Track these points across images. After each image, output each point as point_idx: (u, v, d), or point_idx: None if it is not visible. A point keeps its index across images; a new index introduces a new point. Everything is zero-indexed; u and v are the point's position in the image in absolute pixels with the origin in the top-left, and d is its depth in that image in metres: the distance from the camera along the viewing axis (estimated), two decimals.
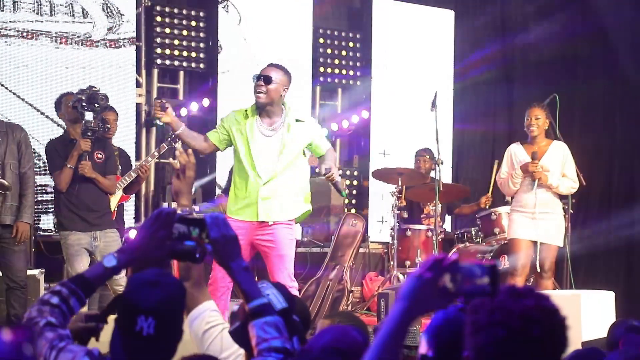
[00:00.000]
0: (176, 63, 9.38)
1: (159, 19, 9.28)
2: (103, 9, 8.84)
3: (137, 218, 8.92)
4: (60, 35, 8.60)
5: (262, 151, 6.08)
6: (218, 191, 9.32)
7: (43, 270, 7.30)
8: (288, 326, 2.65)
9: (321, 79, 10.31)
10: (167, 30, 9.31)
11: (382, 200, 9.71)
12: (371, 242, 9.46)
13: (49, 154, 6.91)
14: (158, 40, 9.28)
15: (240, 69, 9.45)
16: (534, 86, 10.36)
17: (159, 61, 9.28)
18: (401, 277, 8.54)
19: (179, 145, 7.20)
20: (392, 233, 8.77)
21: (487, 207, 8.94)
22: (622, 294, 7.71)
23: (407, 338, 2.05)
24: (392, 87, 10.64)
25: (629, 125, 10.33)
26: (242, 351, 2.90)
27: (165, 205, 8.21)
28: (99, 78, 8.60)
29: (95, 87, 6.65)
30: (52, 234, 8.22)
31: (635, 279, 9.97)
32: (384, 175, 9.02)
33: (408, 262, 8.73)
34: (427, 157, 9.26)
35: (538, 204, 7.39)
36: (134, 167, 7.66)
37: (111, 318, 2.96)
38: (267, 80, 6.03)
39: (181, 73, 9.50)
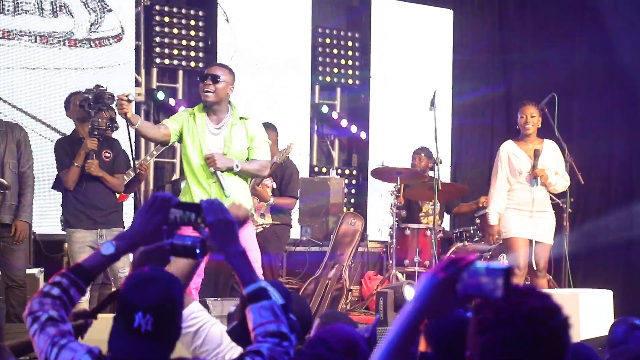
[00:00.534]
0: (175, 62, 9.38)
1: (158, 18, 9.28)
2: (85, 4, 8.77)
3: None
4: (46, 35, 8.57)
5: (211, 150, 6.12)
6: None
7: (42, 269, 7.31)
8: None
9: (320, 78, 10.31)
10: (166, 30, 9.32)
11: (381, 198, 9.70)
12: (370, 241, 9.47)
13: (57, 152, 6.94)
14: (157, 39, 9.28)
15: (238, 68, 9.43)
16: (532, 86, 10.37)
17: (158, 60, 9.29)
18: (400, 276, 8.55)
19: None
20: (391, 232, 8.78)
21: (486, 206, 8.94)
22: (620, 293, 7.73)
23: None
24: (391, 86, 10.65)
25: (628, 124, 10.34)
26: (233, 344, 2.91)
27: None
28: (98, 77, 8.60)
29: (102, 87, 6.68)
30: (51, 232, 8.25)
31: (634, 278, 9.98)
32: (383, 174, 9.04)
33: (407, 261, 8.74)
34: (423, 155, 9.27)
35: (536, 203, 7.41)
36: (131, 166, 7.66)
37: (109, 317, 2.97)
38: (215, 79, 6.08)
39: (180, 72, 9.50)
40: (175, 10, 9.38)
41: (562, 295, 7.20)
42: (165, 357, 2.57)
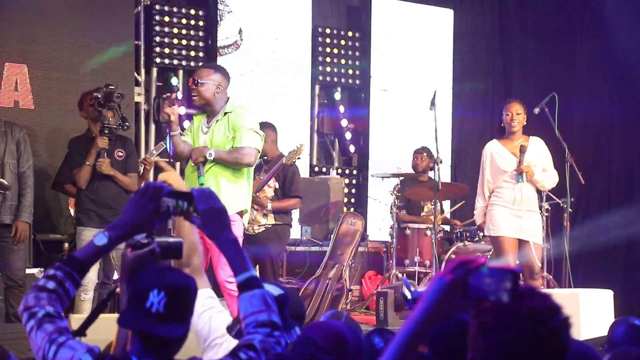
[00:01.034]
0: (175, 62, 9.36)
1: (157, 17, 9.27)
2: None
3: None
4: None
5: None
6: None
7: (42, 269, 7.29)
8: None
9: (320, 77, 10.30)
10: (166, 29, 9.31)
11: (381, 197, 9.71)
12: (370, 240, 9.46)
13: (70, 151, 6.94)
14: (157, 39, 9.27)
15: (239, 67, 9.46)
16: (532, 85, 10.37)
17: (158, 60, 9.28)
18: (400, 275, 8.54)
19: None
20: (391, 232, 8.77)
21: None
22: (621, 293, 7.72)
23: None
24: (391, 86, 10.65)
25: (628, 124, 10.33)
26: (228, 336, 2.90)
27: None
28: (96, 76, 8.60)
29: (113, 86, 6.71)
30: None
31: (635, 278, 9.97)
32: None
33: (407, 261, 8.73)
34: (425, 155, 9.27)
35: (523, 202, 7.35)
36: None
37: (110, 317, 2.95)
38: (195, 82, 6.23)
39: (180, 72, 9.48)
40: (175, 9, 9.36)
41: (562, 295, 7.19)
42: (173, 343, 2.52)
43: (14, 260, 6.73)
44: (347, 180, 10.22)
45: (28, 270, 6.94)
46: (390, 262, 8.73)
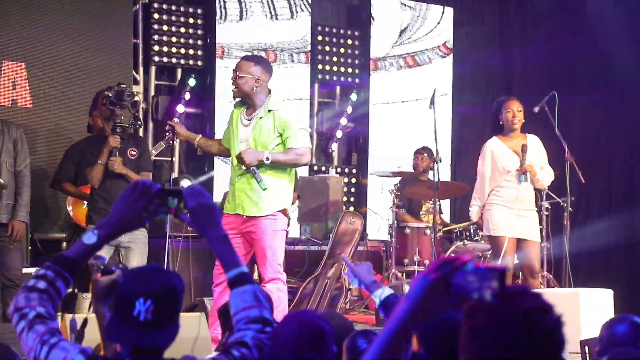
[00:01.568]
0: (174, 60, 9.34)
1: (156, 16, 9.24)
2: None
3: None
4: None
5: (241, 142, 6.21)
6: (217, 189, 9.29)
7: (39, 268, 7.25)
8: None
9: (319, 76, 10.27)
10: (165, 28, 9.27)
11: (381, 194, 9.69)
12: (369, 239, 9.43)
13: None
14: (155, 37, 9.24)
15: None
16: (532, 85, 10.34)
17: (156, 58, 9.25)
18: (399, 274, 8.51)
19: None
20: (391, 231, 8.74)
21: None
22: (622, 293, 7.68)
23: None
24: (391, 85, 10.62)
25: (629, 123, 10.30)
26: None
27: None
28: (95, 75, 8.58)
29: (124, 84, 6.70)
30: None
31: (636, 277, 9.93)
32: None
33: (406, 260, 8.69)
34: (426, 155, 9.24)
35: (522, 201, 7.32)
36: None
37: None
38: (235, 75, 6.22)
39: (179, 70, 9.46)
40: (173, 7, 9.33)
41: (562, 295, 7.17)
42: (164, 348, 2.52)
43: (10, 260, 6.70)
44: (346, 179, 10.20)
45: (25, 270, 6.89)
46: (390, 261, 8.69)
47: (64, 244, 8.14)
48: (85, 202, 7.54)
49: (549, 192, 7.83)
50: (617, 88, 10.36)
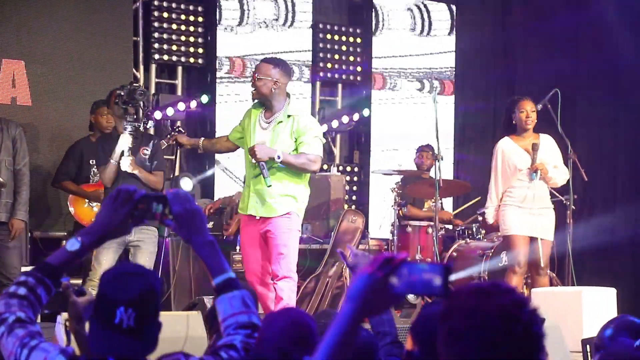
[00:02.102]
0: (174, 58, 9.30)
1: (156, 13, 9.21)
2: None
3: None
4: None
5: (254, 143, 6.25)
6: (217, 187, 9.26)
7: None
8: None
9: (321, 74, 10.23)
10: (165, 25, 9.24)
11: (383, 195, 9.65)
12: (371, 238, 9.38)
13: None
14: (156, 35, 9.20)
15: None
16: (535, 82, 10.28)
17: (156, 56, 9.21)
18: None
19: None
20: (392, 229, 8.70)
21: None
22: (626, 291, 7.64)
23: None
24: (393, 82, 10.58)
25: (633, 120, 10.24)
26: None
27: None
28: (95, 72, 8.57)
29: (136, 83, 6.68)
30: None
31: None
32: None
33: (408, 259, 8.64)
34: (430, 152, 9.20)
35: (536, 199, 7.34)
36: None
37: None
38: (255, 76, 6.25)
39: (179, 68, 9.42)
40: (174, 5, 9.29)
41: (565, 293, 7.14)
42: (148, 353, 2.52)
43: (9, 258, 6.68)
44: (348, 178, 10.16)
45: (24, 269, 6.87)
46: None
47: (64, 242, 8.09)
48: (87, 201, 7.52)
49: (552, 190, 7.79)
50: (620, 84, 10.31)
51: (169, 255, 7.85)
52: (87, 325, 2.81)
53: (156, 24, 9.20)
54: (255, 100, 6.37)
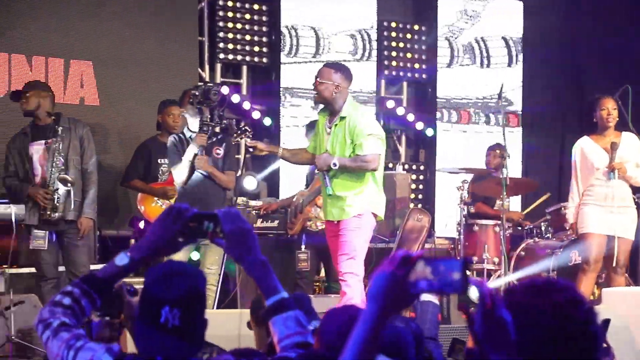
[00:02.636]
0: (239, 57, 9.35)
1: (221, 13, 9.26)
2: None
3: None
4: None
5: (324, 149, 6.37)
6: (282, 185, 9.26)
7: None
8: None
9: (386, 72, 10.18)
10: (230, 25, 9.28)
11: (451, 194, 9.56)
12: (437, 237, 9.31)
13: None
14: (221, 34, 9.25)
15: (302, 61, 9.42)
16: (604, 78, 10.11)
17: (221, 56, 9.26)
18: (468, 272, 8.35)
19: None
20: (459, 228, 8.61)
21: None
22: None
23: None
24: (459, 79, 10.49)
25: None
26: None
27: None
28: (161, 72, 8.64)
29: (210, 83, 6.73)
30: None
31: None
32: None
33: (475, 258, 8.55)
34: (498, 152, 9.07)
35: (616, 198, 7.26)
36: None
37: None
38: (318, 82, 6.33)
39: (244, 67, 9.46)
40: (239, 5, 9.33)
41: (637, 293, 6.98)
42: (194, 352, 2.51)
43: (78, 256, 6.77)
44: (413, 176, 10.09)
45: (93, 267, 6.95)
46: (458, 259, 8.54)
47: (132, 241, 8.18)
48: (156, 199, 7.57)
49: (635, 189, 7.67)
50: None
51: None
52: None
53: (221, 24, 9.25)
54: (320, 107, 6.50)
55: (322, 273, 8.31)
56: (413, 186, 9.88)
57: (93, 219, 6.87)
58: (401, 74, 10.29)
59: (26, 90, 6.81)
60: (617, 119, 7.36)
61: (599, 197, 7.29)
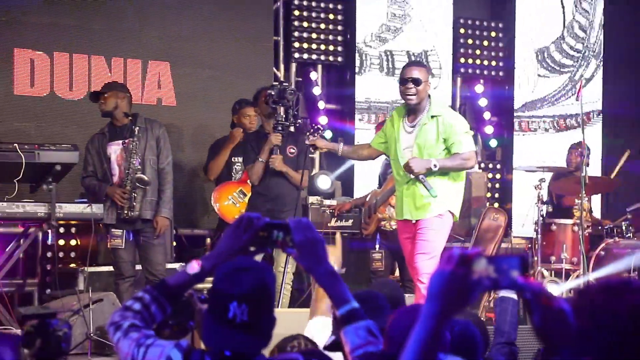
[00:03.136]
0: (314, 57, 9.35)
1: (297, 12, 9.28)
2: None
3: None
4: None
5: (405, 149, 6.20)
6: (357, 180, 9.24)
7: (183, 264, 7.38)
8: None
9: (462, 70, 10.08)
10: (305, 24, 9.30)
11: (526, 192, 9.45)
12: (514, 237, 9.18)
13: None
14: (296, 34, 9.27)
15: (377, 60, 9.38)
16: None
17: (296, 55, 9.28)
18: (545, 272, 8.24)
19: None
20: (536, 227, 8.47)
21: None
22: None
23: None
24: (536, 77, 10.34)
25: None
26: None
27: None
28: (236, 72, 8.69)
29: (286, 83, 6.76)
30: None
31: None
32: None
33: (553, 258, 8.40)
34: (579, 150, 8.91)
35: None
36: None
37: None
38: (417, 82, 6.11)
39: (319, 67, 9.46)
40: (314, 4, 9.35)
41: None
42: (261, 348, 2.52)
43: (154, 255, 6.83)
44: (490, 175, 9.98)
45: (169, 265, 7.04)
46: (535, 259, 8.42)
47: (208, 239, 8.26)
48: (230, 198, 7.62)
49: None
50: None
51: None
52: None
53: (296, 23, 9.27)
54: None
55: (397, 273, 8.27)
56: (489, 185, 9.76)
57: (169, 218, 6.93)
58: (477, 71, 10.17)
59: (104, 91, 6.90)
60: None
61: None
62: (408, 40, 9.75)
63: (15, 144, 6.34)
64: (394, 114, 6.35)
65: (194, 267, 2.60)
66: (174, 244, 7.83)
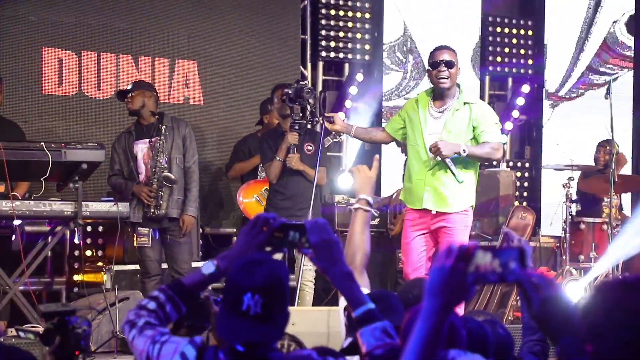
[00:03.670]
0: (341, 55, 9.34)
1: (324, 11, 9.26)
2: None
3: None
4: None
5: (431, 134, 6.03)
6: (384, 180, 9.23)
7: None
8: None
9: (490, 68, 10.02)
10: (332, 23, 9.28)
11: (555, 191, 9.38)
12: (542, 235, 9.11)
13: (261, 146, 7.05)
14: (323, 32, 9.26)
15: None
16: None
17: (323, 53, 9.27)
18: (574, 271, 8.17)
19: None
20: (564, 226, 8.40)
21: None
22: None
23: None
24: (567, 74, 10.26)
25: None
26: None
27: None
28: (263, 71, 8.70)
29: (303, 81, 6.76)
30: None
31: None
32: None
33: (582, 257, 8.34)
34: (609, 148, 8.83)
35: None
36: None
37: None
38: (450, 64, 5.99)
39: (346, 65, 9.45)
40: (341, 2, 9.33)
41: None
42: (274, 341, 2.53)
43: (180, 254, 6.85)
44: (518, 173, 9.91)
45: (194, 264, 7.04)
46: (564, 257, 8.35)
47: (234, 238, 8.28)
48: (255, 196, 7.63)
49: None
50: None
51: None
52: None
53: (323, 22, 9.26)
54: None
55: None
56: (517, 183, 9.69)
57: (195, 216, 6.95)
58: (506, 69, 10.11)
59: (131, 90, 6.93)
60: None
61: None
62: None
63: (42, 143, 6.36)
64: (418, 98, 6.18)
65: (209, 267, 2.62)
66: (200, 242, 7.85)
